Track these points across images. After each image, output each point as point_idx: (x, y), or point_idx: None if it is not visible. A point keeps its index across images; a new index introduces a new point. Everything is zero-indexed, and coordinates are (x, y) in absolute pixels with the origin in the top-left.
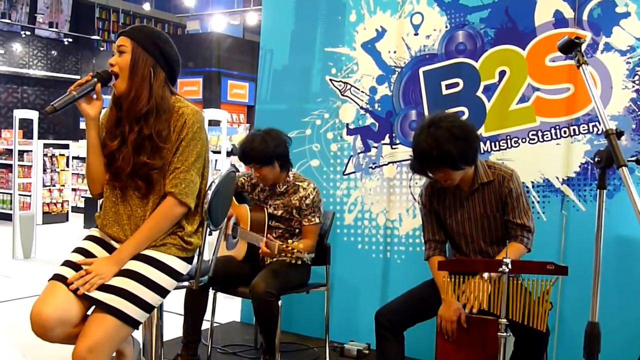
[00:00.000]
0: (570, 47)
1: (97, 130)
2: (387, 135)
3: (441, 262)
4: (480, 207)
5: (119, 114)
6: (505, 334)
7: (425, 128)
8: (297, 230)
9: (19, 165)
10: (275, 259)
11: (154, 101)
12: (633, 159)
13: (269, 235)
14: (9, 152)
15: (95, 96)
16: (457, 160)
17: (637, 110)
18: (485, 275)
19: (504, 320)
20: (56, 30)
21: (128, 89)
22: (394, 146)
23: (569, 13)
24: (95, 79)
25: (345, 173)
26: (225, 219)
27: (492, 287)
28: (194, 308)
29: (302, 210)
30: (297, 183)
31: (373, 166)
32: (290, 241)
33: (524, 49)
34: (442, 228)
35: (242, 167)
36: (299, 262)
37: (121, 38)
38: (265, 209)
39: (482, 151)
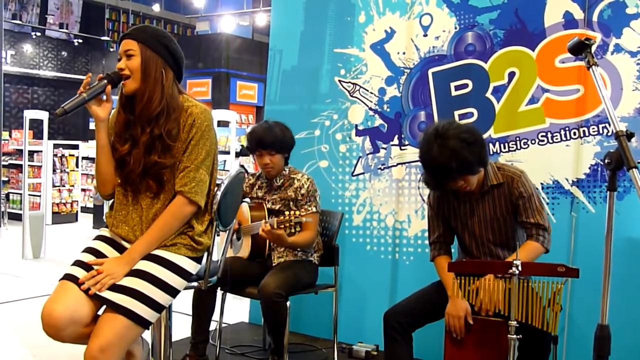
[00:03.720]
0: (580, 49)
1: (107, 131)
2: (396, 136)
3: (450, 264)
4: (491, 210)
5: (129, 117)
6: (515, 336)
7: (433, 141)
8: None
9: (29, 165)
10: (283, 259)
11: (165, 101)
12: None
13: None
14: (19, 153)
15: (105, 97)
16: (474, 165)
17: None
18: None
19: (513, 322)
20: (66, 31)
21: (141, 92)
22: (402, 147)
23: (578, 14)
24: (105, 81)
25: (354, 174)
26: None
27: (505, 286)
28: (203, 308)
29: (298, 201)
30: (292, 176)
31: (382, 167)
32: (287, 212)
33: (533, 50)
34: (449, 230)
35: (250, 168)
36: (298, 229)
37: (127, 42)
38: (264, 205)
39: (491, 152)
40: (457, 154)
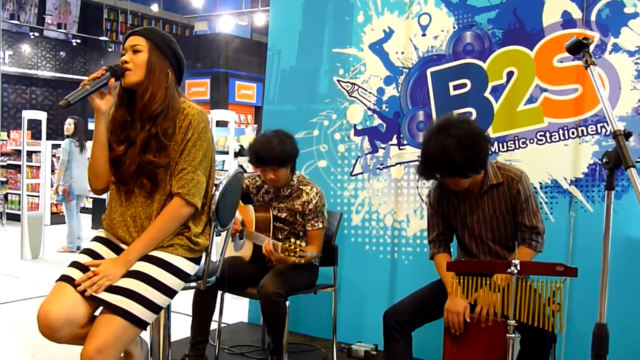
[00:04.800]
0: (578, 48)
1: (106, 125)
2: (395, 136)
3: (449, 263)
4: (490, 209)
5: (126, 116)
6: (513, 335)
7: (435, 134)
8: (301, 233)
9: (27, 165)
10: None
11: (167, 101)
12: None
13: (276, 235)
14: (17, 153)
15: (107, 90)
16: (463, 169)
17: None
18: (499, 277)
19: (512, 322)
20: (64, 31)
21: (144, 88)
22: (401, 147)
23: (577, 14)
24: (109, 73)
25: (352, 174)
26: (233, 220)
27: (502, 295)
28: (202, 309)
29: (305, 215)
30: (300, 187)
31: (380, 167)
32: (293, 240)
33: (532, 50)
34: (449, 228)
35: (249, 168)
36: (302, 261)
37: (135, 37)
38: (270, 210)
39: (489, 152)
40: (448, 154)
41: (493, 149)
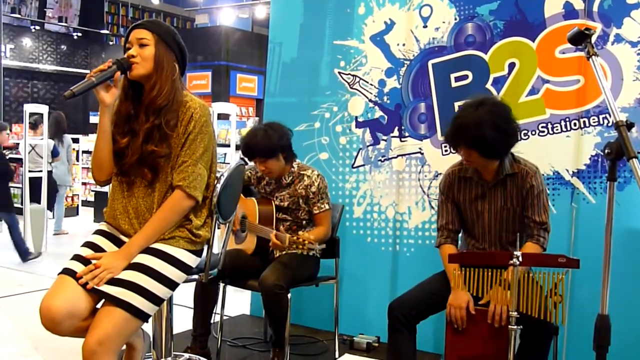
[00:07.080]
0: (580, 39)
1: (111, 117)
2: (396, 128)
3: (451, 256)
4: (502, 200)
5: (130, 108)
6: (515, 326)
7: (475, 105)
8: (304, 222)
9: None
10: (284, 252)
11: (173, 95)
12: None
13: (278, 227)
14: (19, 146)
15: (112, 83)
16: (488, 148)
17: None
18: (508, 270)
19: (514, 313)
20: (65, 24)
21: (152, 83)
22: (403, 139)
23: (579, 4)
24: (115, 66)
25: (354, 166)
26: (235, 213)
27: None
28: (204, 301)
29: (309, 198)
30: (301, 172)
31: (382, 159)
32: (300, 232)
33: (533, 41)
34: (458, 216)
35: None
36: (311, 254)
37: (141, 30)
38: (273, 202)
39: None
40: (479, 127)
41: None
